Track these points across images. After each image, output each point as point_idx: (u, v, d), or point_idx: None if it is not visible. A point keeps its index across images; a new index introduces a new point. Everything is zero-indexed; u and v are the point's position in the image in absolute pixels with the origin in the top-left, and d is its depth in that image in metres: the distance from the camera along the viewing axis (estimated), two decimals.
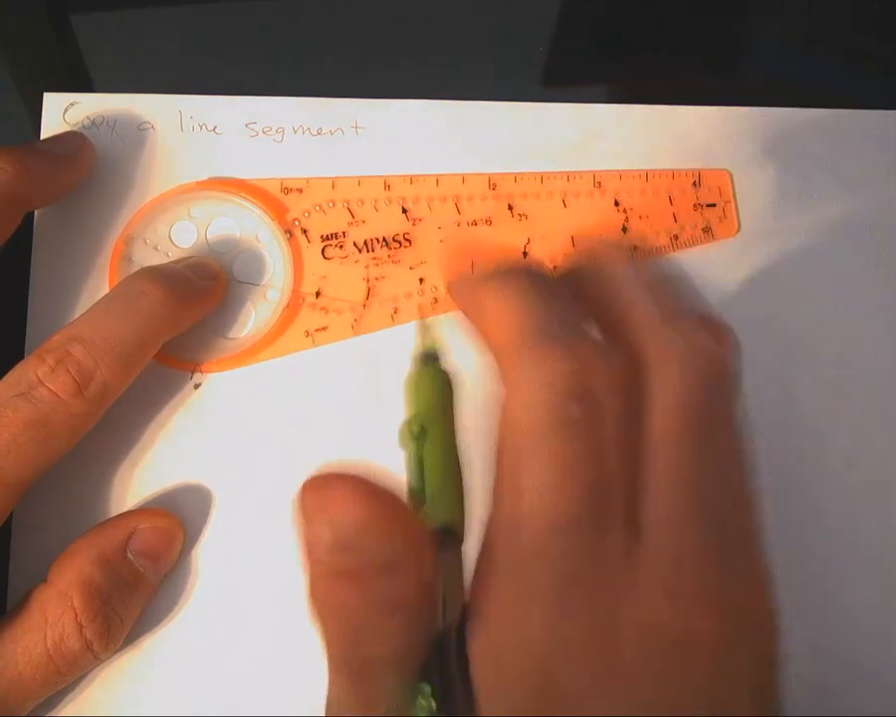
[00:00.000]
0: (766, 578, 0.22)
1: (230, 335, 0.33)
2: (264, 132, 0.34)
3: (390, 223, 0.33)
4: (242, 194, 0.33)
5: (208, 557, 0.31)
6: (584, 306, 0.23)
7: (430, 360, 0.28)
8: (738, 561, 0.22)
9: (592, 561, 0.20)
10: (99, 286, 0.32)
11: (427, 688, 0.21)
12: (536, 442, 0.21)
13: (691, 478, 0.21)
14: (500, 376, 0.22)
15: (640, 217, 0.34)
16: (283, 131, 0.34)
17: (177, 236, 0.33)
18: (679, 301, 0.23)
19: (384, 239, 0.33)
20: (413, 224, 0.33)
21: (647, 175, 0.34)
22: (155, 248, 0.33)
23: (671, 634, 0.20)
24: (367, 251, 0.33)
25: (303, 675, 0.29)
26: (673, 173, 0.34)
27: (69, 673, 0.28)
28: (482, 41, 0.36)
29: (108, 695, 0.30)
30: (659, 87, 0.36)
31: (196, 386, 0.32)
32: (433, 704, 0.21)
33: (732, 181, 0.34)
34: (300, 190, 0.33)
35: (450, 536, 0.23)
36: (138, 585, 0.29)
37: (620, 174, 0.34)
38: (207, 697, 0.30)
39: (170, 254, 0.33)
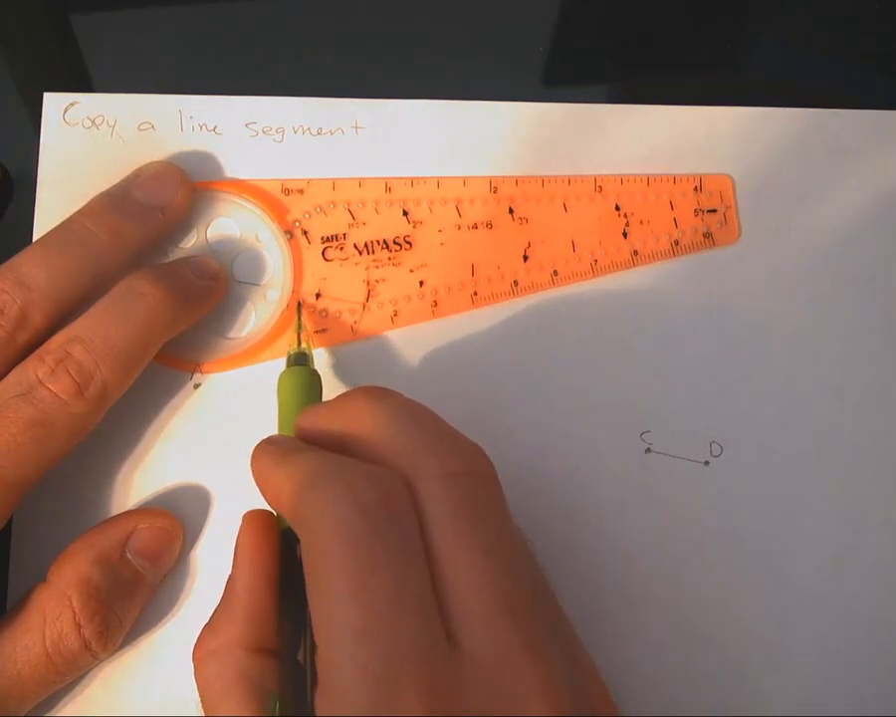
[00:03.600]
0: (586, 657, 0.24)
1: (230, 335, 0.33)
2: (264, 132, 0.34)
3: (391, 225, 0.33)
4: (242, 194, 0.33)
5: (208, 557, 0.31)
6: (340, 439, 0.25)
7: (301, 361, 0.30)
8: (558, 643, 0.23)
9: (416, 661, 0.21)
10: None
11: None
12: (341, 552, 0.22)
13: (485, 579, 0.22)
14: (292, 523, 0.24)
15: (641, 222, 0.33)
16: (283, 131, 0.34)
17: (177, 236, 0.33)
18: (429, 428, 0.25)
19: (385, 241, 0.33)
20: (414, 227, 0.33)
21: (648, 180, 0.34)
22: (155, 248, 0.33)
23: None
24: (368, 253, 0.33)
25: None
26: (674, 178, 0.34)
27: (67, 673, 0.28)
28: (482, 41, 0.36)
29: (108, 695, 0.30)
30: (659, 87, 0.36)
31: (196, 386, 0.32)
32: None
33: (733, 187, 0.34)
34: (300, 191, 0.33)
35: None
36: (137, 584, 0.29)
37: (622, 178, 0.34)
38: None
39: (170, 254, 0.33)
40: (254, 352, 0.32)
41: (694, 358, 0.33)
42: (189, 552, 0.31)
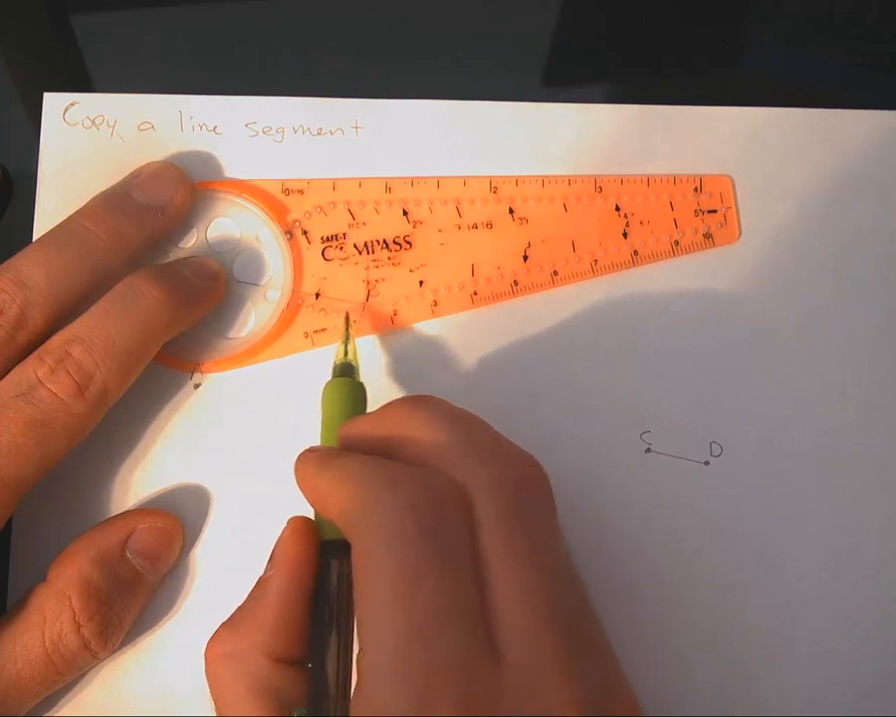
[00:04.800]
0: (621, 672, 0.23)
1: (230, 335, 0.33)
2: (264, 132, 0.34)
3: (391, 225, 0.33)
4: (242, 195, 0.33)
5: (208, 557, 0.31)
6: (386, 448, 0.25)
7: (347, 372, 0.29)
8: (592, 656, 0.23)
9: (455, 673, 0.21)
10: None
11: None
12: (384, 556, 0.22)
13: (527, 591, 0.22)
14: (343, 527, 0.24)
15: (641, 222, 0.33)
16: (283, 131, 0.34)
17: (177, 236, 0.33)
18: (478, 435, 0.25)
19: (385, 241, 0.33)
20: (414, 227, 0.33)
21: (648, 180, 0.34)
22: (155, 248, 0.33)
23: None
24: (368, 253, 0.33)
25: None
26: (674, 179, 0.34)
27: (67, 672, 0.28)
28: (483, 41, 0.36)
29: (108, 695, 0.30)
30: (659, 87, 0.36)
31: (196, 386, 0.32)
32: None
33: (733, 187, 0.34)
34: (301, 191, 0.33)
35: (341, 546, 0.24)
36: (137, 584, 0.29)
37: (622, 179, 0.34)
38: (207, 697, 0.30)
39: (170, 254, 0.33)
40: (254, 352, 0.32)
41: (694, 357, 0.33)
42: (189, 552, 0.31)
